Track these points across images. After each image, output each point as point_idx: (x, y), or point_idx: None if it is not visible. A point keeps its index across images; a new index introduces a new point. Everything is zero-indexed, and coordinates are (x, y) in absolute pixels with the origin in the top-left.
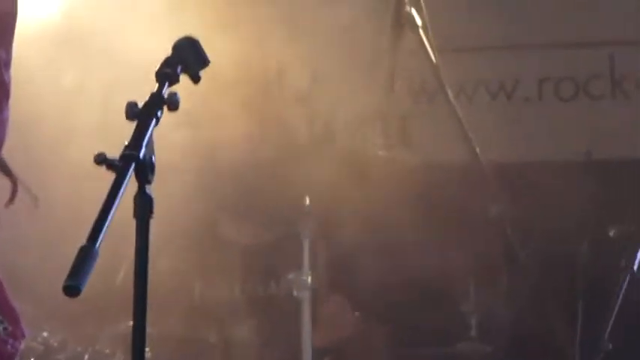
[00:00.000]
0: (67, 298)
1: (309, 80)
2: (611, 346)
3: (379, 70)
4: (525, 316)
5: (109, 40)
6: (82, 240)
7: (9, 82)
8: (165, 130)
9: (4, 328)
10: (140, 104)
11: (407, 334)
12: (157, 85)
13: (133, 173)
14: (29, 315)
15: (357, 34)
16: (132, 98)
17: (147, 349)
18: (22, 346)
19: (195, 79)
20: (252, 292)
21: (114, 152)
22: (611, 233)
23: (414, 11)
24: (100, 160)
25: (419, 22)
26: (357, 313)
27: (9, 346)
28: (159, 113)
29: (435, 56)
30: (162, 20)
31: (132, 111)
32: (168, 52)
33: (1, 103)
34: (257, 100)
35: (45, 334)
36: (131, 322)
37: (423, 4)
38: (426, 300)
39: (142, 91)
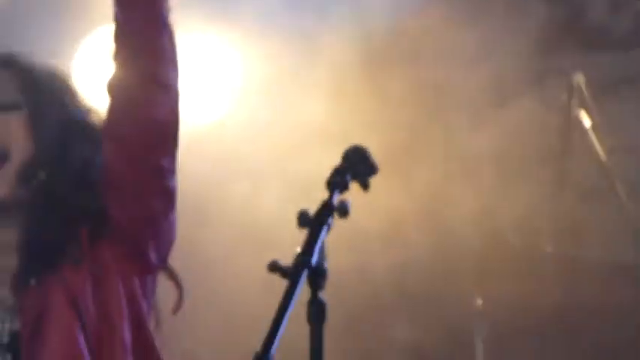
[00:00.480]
0: None
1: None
2: None
3: (549, 169)
4: None
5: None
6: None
7: (174, 190)
8: None
9: None
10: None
11: None
12: (327, 193)
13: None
14: None
15: (527, 137)
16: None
17: None
18: None
19: (365, 187)
20: None
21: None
22: None
23: (582, 113)
24: (273, 267)
25: (587, 124)
26: None
27: None
28: (330, 220)
29: (605, 156)
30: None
31: (303, 219)
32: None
33: (168, 209)
34: None
35: None
36: None
37: (591, 105)
38: None
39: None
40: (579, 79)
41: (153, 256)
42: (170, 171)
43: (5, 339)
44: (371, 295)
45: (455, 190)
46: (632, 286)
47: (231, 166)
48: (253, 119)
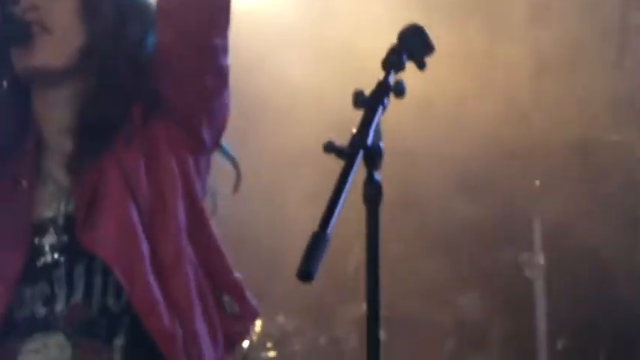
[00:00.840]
0: (299, 283)
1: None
2: None
3: (610, 47)
4: None
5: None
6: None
7: (227, 68)
8: None
9: (230, 306)
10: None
11: None
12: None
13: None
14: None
15: (586, 14)
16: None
17: (381, 333)
18: (256, 326)
19: (421, 66)
20: (481, 267)
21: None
22: None
23: None
24: (329, 147)
25: None
26: None
27: (238, 326)
28: (385, 101)
29: None
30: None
31: (359, 99)
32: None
33: (221, 88)
34: None
35: (280, 319)
36: (364, 306)
37: None
38: None
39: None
40: None
41: (206, 135)
42: (222, 48)
43: (61, 220)
44: (436, 175)
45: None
46: None
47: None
48: None
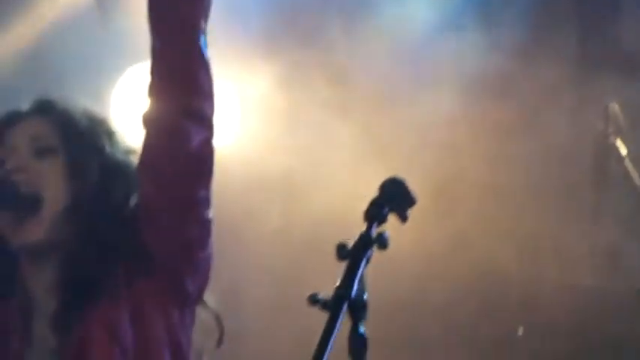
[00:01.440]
0: None
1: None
2: None
3: (585, 201)
4: None
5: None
6: None
7: (211, 220)
8: None
9: None
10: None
11: None
12: (365, 225)
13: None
14: None
15: (556, 167)
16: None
17: None
18: None
19: (403, 219)
20: None
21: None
22: None
23: (618, 141)
24: (314, 300)
25: (624, 152)
26: None
27: None
28: (369, 253)
29: None
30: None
31: (342, 252)
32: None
33: (205, 240)
34: None
35: None
36: None
37: (627, 133)
38: None
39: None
40: (615, 107)
41: (190, 287)
42: (205, 201)
43: None
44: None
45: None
46: None
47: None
48: None
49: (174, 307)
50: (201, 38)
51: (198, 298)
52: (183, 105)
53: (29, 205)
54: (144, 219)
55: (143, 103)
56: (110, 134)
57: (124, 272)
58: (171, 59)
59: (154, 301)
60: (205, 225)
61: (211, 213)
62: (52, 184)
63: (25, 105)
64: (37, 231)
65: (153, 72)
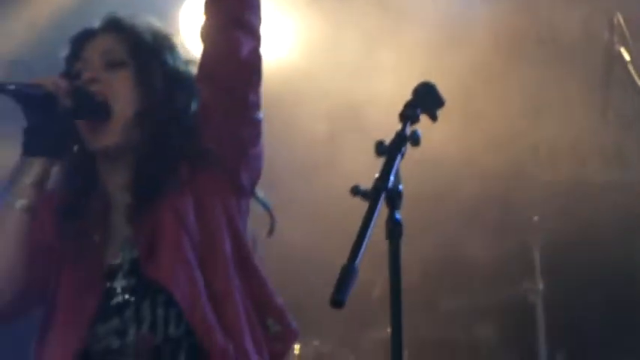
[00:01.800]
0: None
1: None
2: None
3: (595, 102)
4: None
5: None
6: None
7: (260, 121)
8: None
9: (274, 328)
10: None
11: None
12: (400, 125)
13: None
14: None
15: (571, 70)
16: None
17: (405, 352)
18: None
19: (434, 119)
20: (491, 297)
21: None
22: None
23: (622, 49)
24: (355, 191)
25: (627, 58)
26: None
27: (280, 345)
28: (403, 149)
29: None
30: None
31: (380, 148)
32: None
33: (256, 139)
34: None
35: (316, 343)
36: (389, 329)
37: (630, 41)
38: None
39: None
40: (620, 18)
41: (245, 181)
42: (256, 104)
43: (127, 266)
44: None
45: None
46: None
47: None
48: None
49: (231, 198)
50: None
51: (252, 190)
52: (235, 17)
53: (103, 112)
54: (203, 121)
55: (201, 19)
56: (172, 48)
57: (187, 169)
58: None
59: (213, 193)
60: (256, 125)
61: (261, 114)
62: (122, 94)
63: (96, 23)
64: (110, 136)
65: None
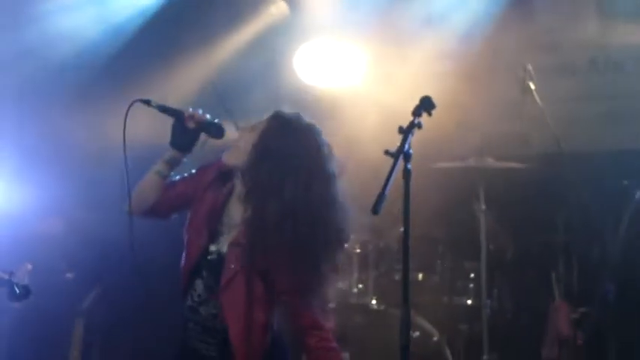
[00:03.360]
0: None
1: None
2: None
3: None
4: None
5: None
6: None
7: None
8: None
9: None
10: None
11: None
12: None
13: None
14: None
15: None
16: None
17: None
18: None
19: (430, 114)
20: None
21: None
22: None
23: (530, 83)
24: (386, 152)
25: (532, 87)
26: None
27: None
28: (413, 131)
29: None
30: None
31: (400, 130)
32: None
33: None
34: None
35: None
36: None
37: (534, 78)
38: None
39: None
40: (530, 66)
41: None
42: None
43: (224, 237)
44: None
45: None
46: None
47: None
48: None
49: None
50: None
51: None
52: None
53: (218, 134)
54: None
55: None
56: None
57: None
58: None
59: None
60: None
61: None
62: (247, 149)
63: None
64: (234, 159)
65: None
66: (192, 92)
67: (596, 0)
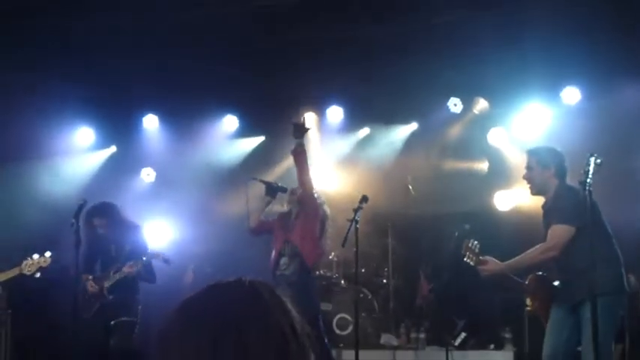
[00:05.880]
0: None
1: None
2: None
3: None
4: None
5: None
6: None
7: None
8: None
9: None
10: None
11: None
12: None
13: None
14: None
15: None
16: None
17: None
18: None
19: (366, 203)
20: None
21: None
22: None
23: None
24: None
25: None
26: None
27: None
28: (358, 215)
29: None
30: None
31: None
32: None
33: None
34: None
35: None
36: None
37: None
38: None
39: None
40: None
41: None
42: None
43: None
44: None
45: None
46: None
47: None
48: None
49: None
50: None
51: None
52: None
53: (278, 192)
54: None
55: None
56: None
57: None
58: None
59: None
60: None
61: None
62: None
63: None
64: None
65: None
66: None
67: None
